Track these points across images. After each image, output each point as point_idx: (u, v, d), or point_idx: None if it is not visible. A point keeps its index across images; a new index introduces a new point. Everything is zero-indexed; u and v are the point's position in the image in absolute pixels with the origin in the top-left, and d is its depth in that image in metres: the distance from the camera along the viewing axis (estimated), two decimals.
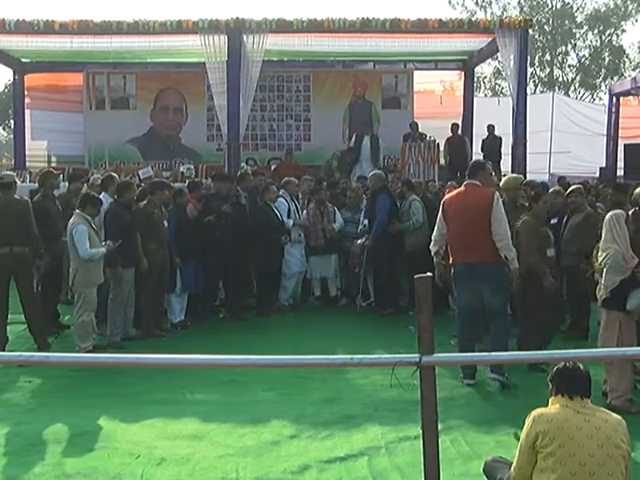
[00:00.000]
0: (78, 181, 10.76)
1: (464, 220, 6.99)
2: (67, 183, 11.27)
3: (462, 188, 7.26)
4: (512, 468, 3.99)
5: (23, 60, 18.04)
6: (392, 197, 10.52)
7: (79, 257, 8.05)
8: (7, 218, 8.03)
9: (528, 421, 3.88)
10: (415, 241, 10.08)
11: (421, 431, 3.69)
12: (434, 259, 7.41)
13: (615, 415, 3.92)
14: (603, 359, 5.98)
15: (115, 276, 8.52)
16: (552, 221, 9.12)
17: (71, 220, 8.18)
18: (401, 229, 10.29)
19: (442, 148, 15.95)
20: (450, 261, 7.25)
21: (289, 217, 10.55)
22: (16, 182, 8.69)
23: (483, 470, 4.43)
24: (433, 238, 7.42)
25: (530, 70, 34.37)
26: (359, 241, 10.40)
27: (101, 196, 8.91)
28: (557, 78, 40.83)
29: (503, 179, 9.34)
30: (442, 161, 15.74)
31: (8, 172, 9.62)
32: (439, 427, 3.72)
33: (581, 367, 3.93)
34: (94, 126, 18.02)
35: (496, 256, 6.93)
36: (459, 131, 16.54)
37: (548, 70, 40.67)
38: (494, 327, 7.12)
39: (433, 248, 7.42)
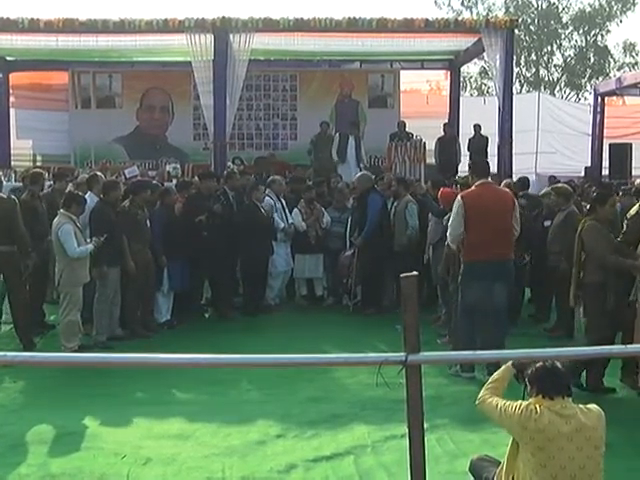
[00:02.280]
0: (63, 180, 10.70)
1: (493, 218, 7.21)
2: (52, 182, 11.20)
3: (481, 187, 7.38)
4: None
5: (8, 58, 17.87)
6: (382, 196, 10.51)
7: (68, 256, 8.02)
8: None
9: (517, 404, 3.90)
10: (407, 242, 10.09)
11: (407, 430, 3.69)
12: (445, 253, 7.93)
13: (594, 409, 3.91)
14: (585, 357, 6.01)
15: (100, 275, 8.49)
16: (545, 223, 9.15)
17: (56, 220, 8.15)
18: (404, 243, 10.15)
19: (432, 148, 15.97)
20: (467, 258, 7.32)
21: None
22: (1, 181, 8.66)
23: (469, 469, 4.44)
24: (454, 235, 7.41)
25: (516, 70, 34.36)
26: (347, 252, 10.40)
27: (86, 195, 8.88)
28: (543, 78, 40.95)
29: None
30: (431, 161, 15.74)
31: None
32: (425, 426, 3.72)
33: (559, 365, 3.89)
34: (80, 125, 17.88)
35: (513, 253, 7.42)
36: (450, 131, 16.55)
37: (534, 70, 40.79)
38: (496, 324, 7.25)
39: (453, 245, 7.53)
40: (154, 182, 11.14)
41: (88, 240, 8.30)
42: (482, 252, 7.19)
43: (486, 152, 16.24)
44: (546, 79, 41.03)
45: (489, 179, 7.69)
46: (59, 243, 8.05)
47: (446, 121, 17.23)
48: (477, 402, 4.16)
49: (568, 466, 3.72)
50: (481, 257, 7.21)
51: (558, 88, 40.57)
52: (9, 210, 8.15)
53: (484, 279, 7.23)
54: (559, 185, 9.73)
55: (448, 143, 16.11)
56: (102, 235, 8.25)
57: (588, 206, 7.59)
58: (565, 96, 39.34)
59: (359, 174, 10.90)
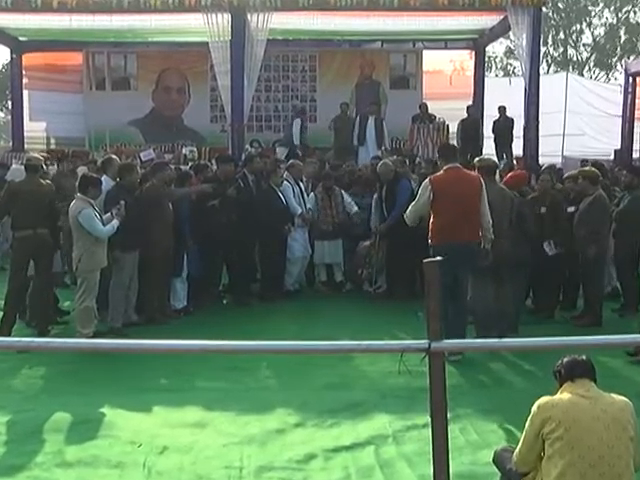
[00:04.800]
0: (65, 161, 10.79)
1: (460, 202, 7.48)
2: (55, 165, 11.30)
3: (449, 171, 7.66)
4: (514, 454, 4.02)
5: (21, 39, 17.95)
6: (411, 182, 10.49)
7: (87, 240, 8.02)
8: (32, 201, 8.27)
9: (533, 409, 3.92)
10: None
11: (429, 419, 3.69)
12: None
13: (621, 397, 3.95)
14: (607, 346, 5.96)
15: (115, 260, 8.52)
16: (569, 209, 9.08)
17: (73, 205, 8.16)
18: None
19: (454, 130, 15.89)
20: (434, 242, 7.58)
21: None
22: (42, 166, 8.84)
23: (493, 460, 4.43)
24: (413, 217, 7.89)
25: (543, 49, 34.10)
26: (365, 243, 10.39)
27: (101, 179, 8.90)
28: (571, 57, 40.53)
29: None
30: (454, 143, 15.66)
31: (35, 155, 9.67)
32: (448, 415, 3.72)
33: (583, 356, 4.01)
34: (94, 107, 17.96)
35: (479, 236, 7.61)
36: (474, 114, 16.45)
37: (562, 49, 40.38)
38: (459, 305, 7.47)
39: (410, 223, 7.98)
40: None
41: (111, 213, 8.27)
42: (449, 235, 7.45)
43: (511, 134, 16.17)
44: (574, 59, 40.62)
45: (457, 163, 7.87)
46: (80, 228, 8.06)
47: (470, 103, 17.12)
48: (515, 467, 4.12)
49: (596, 446, 3.73)
50: (448, 240, 7.43)
51: (587, 68, 40.16)
52: (48, 195, 8.48)
53: (451, 259, 7.20)
54: (586, 168, 9.65)
55: (470, 125, 16.01)
56: (120, 207, 8.20)
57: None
58: (594, 76, 38.93)
59: (380, 163, 10.79)
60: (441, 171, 7.78)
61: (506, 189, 8.44)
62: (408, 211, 7.95)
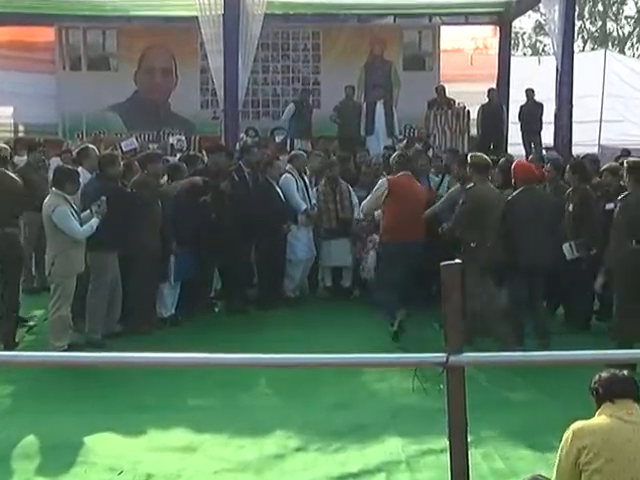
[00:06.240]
0: (36, 151, 10.81)
1: (410, 204, 9.13)
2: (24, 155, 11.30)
3: (403, 177, 9.28)
4: None
5: None
6: (428, 176, 10.52)
7: (62, 241, 8.03)
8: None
9: (567, 436, 3.87)
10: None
11: (448, 443, 3.70)
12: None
13: None
14: None
15: (95, 262, 8.52)
16: (607, 206, 9.05)
17: (47, 201, 8.18)
18: None
19: (474, 116, 15.89)
20: (385, 239, 9.39)
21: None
22: (8, 157, 8.84)
23: None
24: (367, 211, 9.82)
25: (578, 23, 34.07)
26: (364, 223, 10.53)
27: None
28: (610, 32, 40.44)
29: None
30: (472, 131, 15.68)
31: (2, 144, 9.63)
32: (469, 439, 3.73)
33: (624, 372, 3.96)
34: (69, 90, 17.94)
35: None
36: (496, 98, 16.44)
37: (600, 23, 40.31)
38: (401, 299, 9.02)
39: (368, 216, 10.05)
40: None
41: (88, 211, 8.27)
42: (399, 234, 9.06)
43: (540, 121, 16.15)
44: (614, 34, 40.52)
45: (409, 172, 9.46)
46: (53, 227, 8.08)
47: (493, 86, 17.10)
48: None
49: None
50: (404, 237, 9.03)
51: (629, 44, 40.07)
52: (18, 189, 8.52)
53: (406, 258, 9.02)
54: (633, 159, 9.60)
55: (493, 111, 15.99)
56: (100, 204, 8.19)
57: None
58: (638, 54, 38.86)
59: (394, 155, 10.78)
60: (395, 176, 9.35)
61: (495, 189, 8.86)
62: (364, 205, 9.73)
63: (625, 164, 8.46)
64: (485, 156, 9.13)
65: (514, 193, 8.59)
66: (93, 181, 8.87)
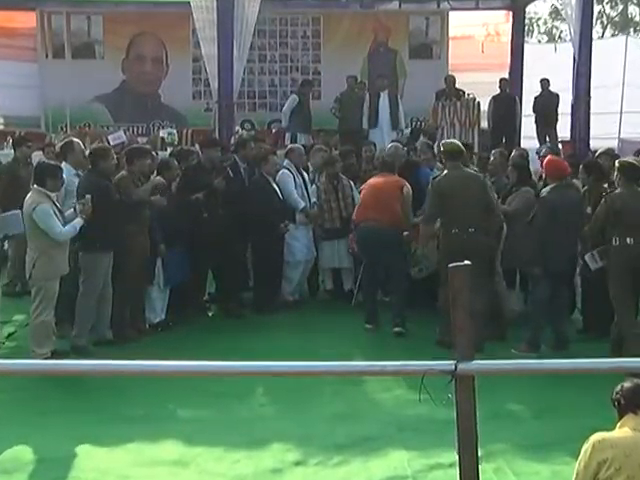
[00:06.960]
0: (23, 146, 10.82)
1: (378, 193, 9.62)
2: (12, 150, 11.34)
3: (379, 176, 9.79)
4: None
5: None
6: (432, 170, 10.50)
7: (44, 242, 8.02)
8: None
9: (586, 448, 3.87)
10: None
11: (457, 457, 3.70)
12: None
13: None
14: None
15: (84, 264, 8.51)
16: None
17: (29, 199, 8.16)
18: None
19: (485, 108, 15.88)
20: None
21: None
22: None
23: None
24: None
25: (597, 8, 34.02)
26: None
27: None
28: (632, 17, 40.40)
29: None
30: (483, 124, 15.67)
31: None
32: (479, 452, 3.73)
33: None
34: (51, 79, 17.93)
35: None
36: (508, 89, 16.43)
37: (621, 7, 40.26)
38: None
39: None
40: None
41: (72, 209, 8.25)
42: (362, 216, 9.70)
43: (556, 113, 16.15)
44: (637, 19, 40.47)
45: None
46: (34, 226, 8.06)
47: (506, 76, 17.10)
48: None
49: None
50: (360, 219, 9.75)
51: None
52: None
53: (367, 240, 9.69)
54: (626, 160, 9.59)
55: (505, 103, 15.99)
56: (85, 203, 8.13)
57: None
58: None
59: (389, 146, 10.80)
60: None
61: (475, 173, 9.09)
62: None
63: (617, 164, 8.55)
64: (456, 143, 9.42)
65: (546, 189, 8.70)
66: (87, 176, 8.82)
